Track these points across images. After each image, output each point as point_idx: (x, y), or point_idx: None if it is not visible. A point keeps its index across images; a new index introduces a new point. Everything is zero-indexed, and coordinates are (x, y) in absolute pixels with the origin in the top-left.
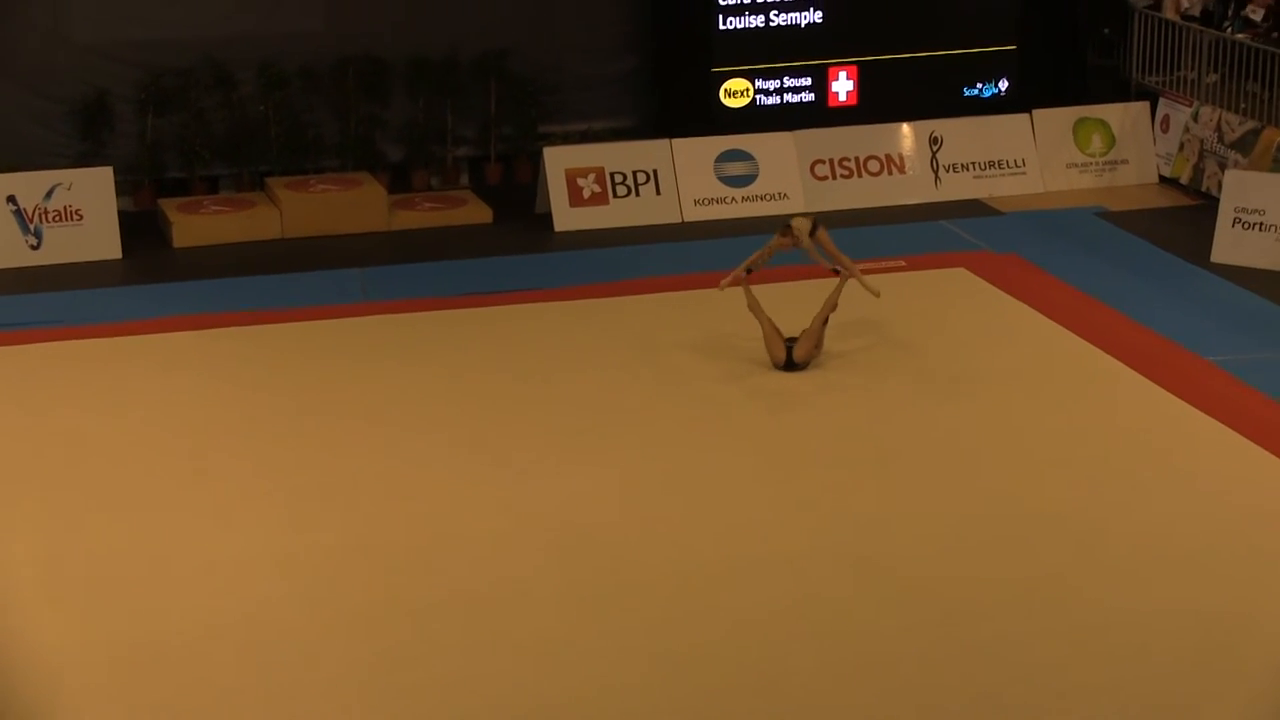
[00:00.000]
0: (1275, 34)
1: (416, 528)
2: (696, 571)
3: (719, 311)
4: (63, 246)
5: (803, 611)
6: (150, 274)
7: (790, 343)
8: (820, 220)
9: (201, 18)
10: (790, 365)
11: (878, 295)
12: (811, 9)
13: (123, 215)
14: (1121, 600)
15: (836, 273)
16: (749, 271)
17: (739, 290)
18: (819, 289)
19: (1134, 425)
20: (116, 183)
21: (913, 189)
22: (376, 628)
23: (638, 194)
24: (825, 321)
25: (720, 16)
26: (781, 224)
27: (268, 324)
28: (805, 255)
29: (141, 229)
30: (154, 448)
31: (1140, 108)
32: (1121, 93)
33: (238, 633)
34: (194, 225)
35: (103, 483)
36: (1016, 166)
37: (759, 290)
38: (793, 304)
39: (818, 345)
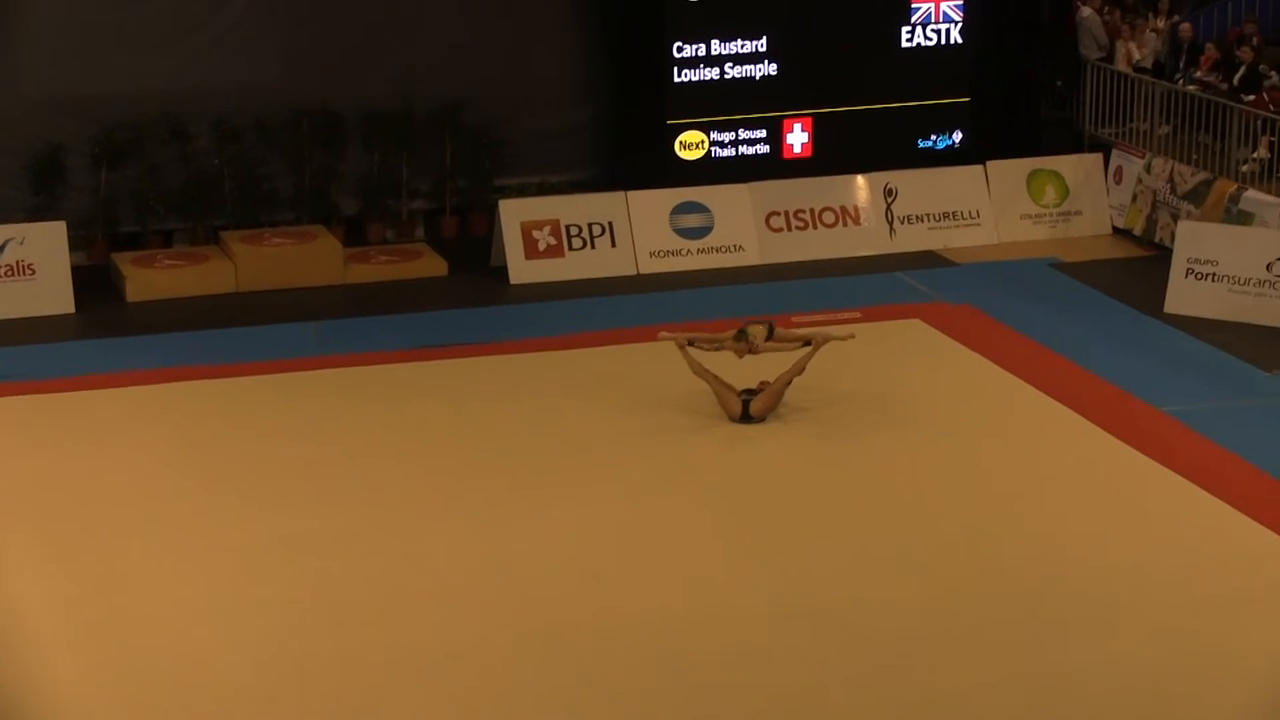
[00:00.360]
0: (1225, 86)
1: (368, 582)
2: (652, 624)
3: (675, 364)
4: (15, 301)
5: (755, 663)
6: (104, 328)
7: (747, 395)
8: (771, 323)
9: (155, 71)
10: (747, 419)
11: (852, 337)
12: (766, 62)
13: (76, 269)
14: (1072, 652)
15: (808, 343)
16: (690, 343)
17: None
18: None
19: (1088, 475)
20: (70, 237)
21: (867, 240)
22: (329, 682)
23: (593, 246)
24: (789, 383)
25: (675, 69)
26: (738, 331)
27: (222, 378)
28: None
29: (95, 283)
30: (107, 501)
31: (1093, 159)
32: (1075, 144)
33: (186, 684)
34: (148, 279)
35: (52, 535)
36: (971, 218)
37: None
38: (767, 357)
39: (776, 401)
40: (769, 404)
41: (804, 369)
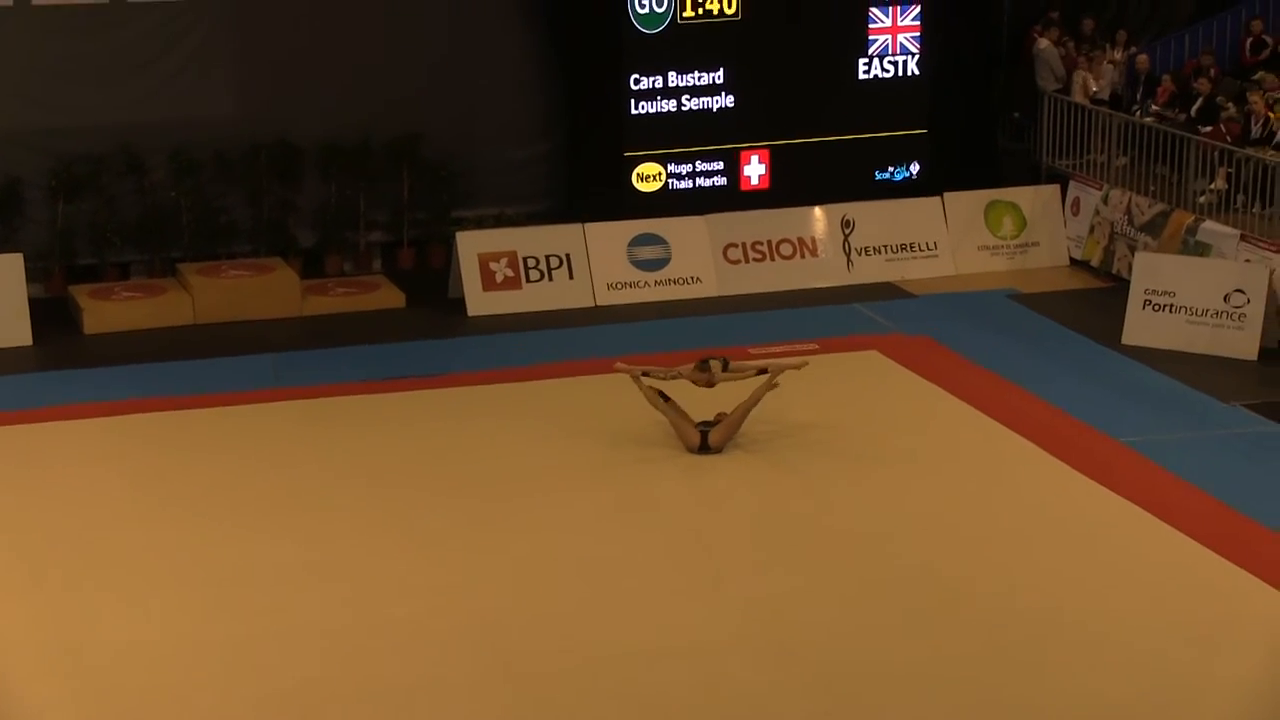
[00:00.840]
0: (1183, 117)
1: (324, 615)
2: (611, 656)
3: (633, 396)
4: None
5: (711, 699)
6: (61, 360)
7: (704, 426)
8: (726, 359)
9: (112, 104)
10: (705, 449)
11: (806, 364)
12: (723, 94)
13: (33, 302)
14: (1030, 685)
15: (764, 371)
16: (645, 375)
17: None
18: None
19: (1045, 506)
20: (27, 269)
21: (825, 272)
22: (283, 715)
23: (550, 278)
24: (746, 413)
25: (632, 101)
26: (699, 361)
27: (179, 410)
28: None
29: (52, 315)
30: (62, 534)
31: (1051, 191)
32: (1032, 176)
33: (140, 718)
34: (105, 311)
35: (7, 568)
36: (928, 249)
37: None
38: (723, 389)
39: (734, 432)
40: (726, 435)
41: (760, 399)
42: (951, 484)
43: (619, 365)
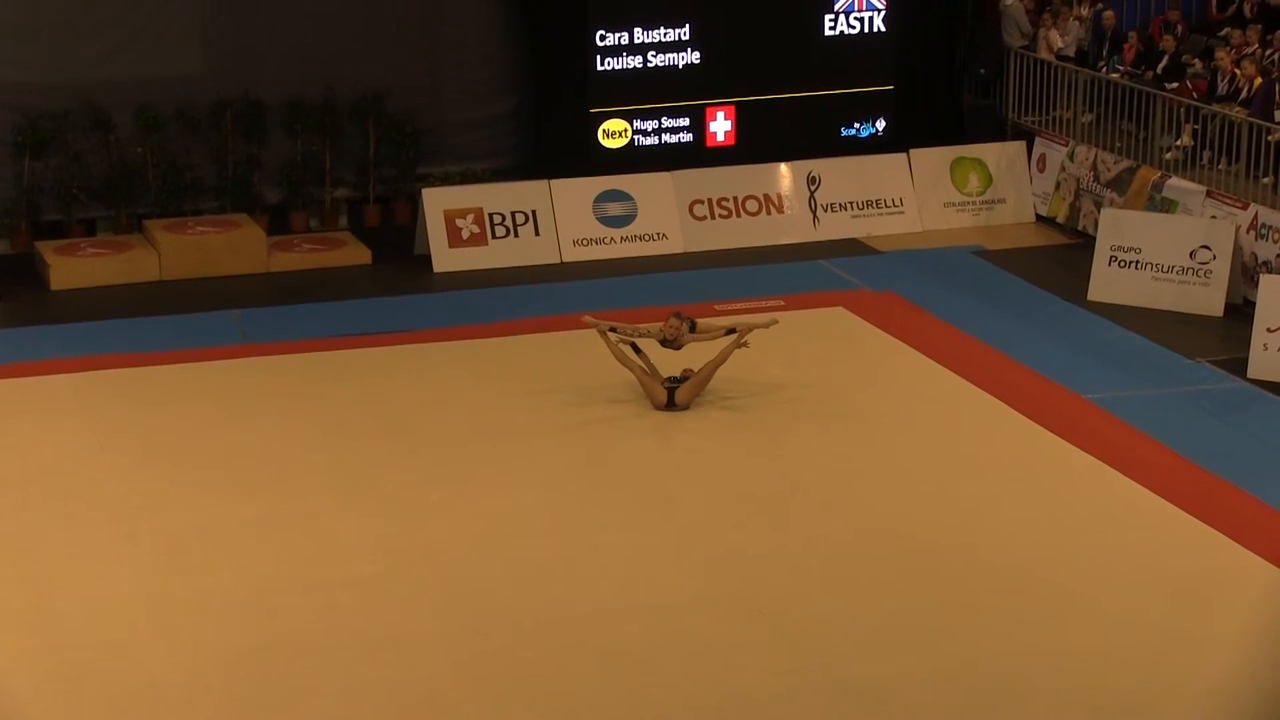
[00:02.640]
0: (1149, 74)
1: (288, 570)
2: (574, 614)
3: (599, 352)
4: None
5: (675, 654)
6: (27, 317)
7: (672, 383)
8: (693, 319)
9: (77, 61)
10: (671, 406)
11: (775, 323)
12: (689, 50)
13: None
14: (997, 642)
15: (733, 331)
16: (612, 331)
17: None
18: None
19: (1011, 462)
20: None
21: (791, 228)
22: (249, 671)
23: (516, 235)
24: (713, 372)
25: (598, 57)
26: (670, 317)
27: (146, 366)
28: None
29: (18, 272)
30: (28, 489)
31: (1016, 147)
32: (998, 132)
33: (109, 675)
34: (71, 268)
35: None
36: (894, 206)
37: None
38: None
39: (701, 389)
40: (693, 392)
41: (727, 358)
42: (917, 441)
43: (587, 318)
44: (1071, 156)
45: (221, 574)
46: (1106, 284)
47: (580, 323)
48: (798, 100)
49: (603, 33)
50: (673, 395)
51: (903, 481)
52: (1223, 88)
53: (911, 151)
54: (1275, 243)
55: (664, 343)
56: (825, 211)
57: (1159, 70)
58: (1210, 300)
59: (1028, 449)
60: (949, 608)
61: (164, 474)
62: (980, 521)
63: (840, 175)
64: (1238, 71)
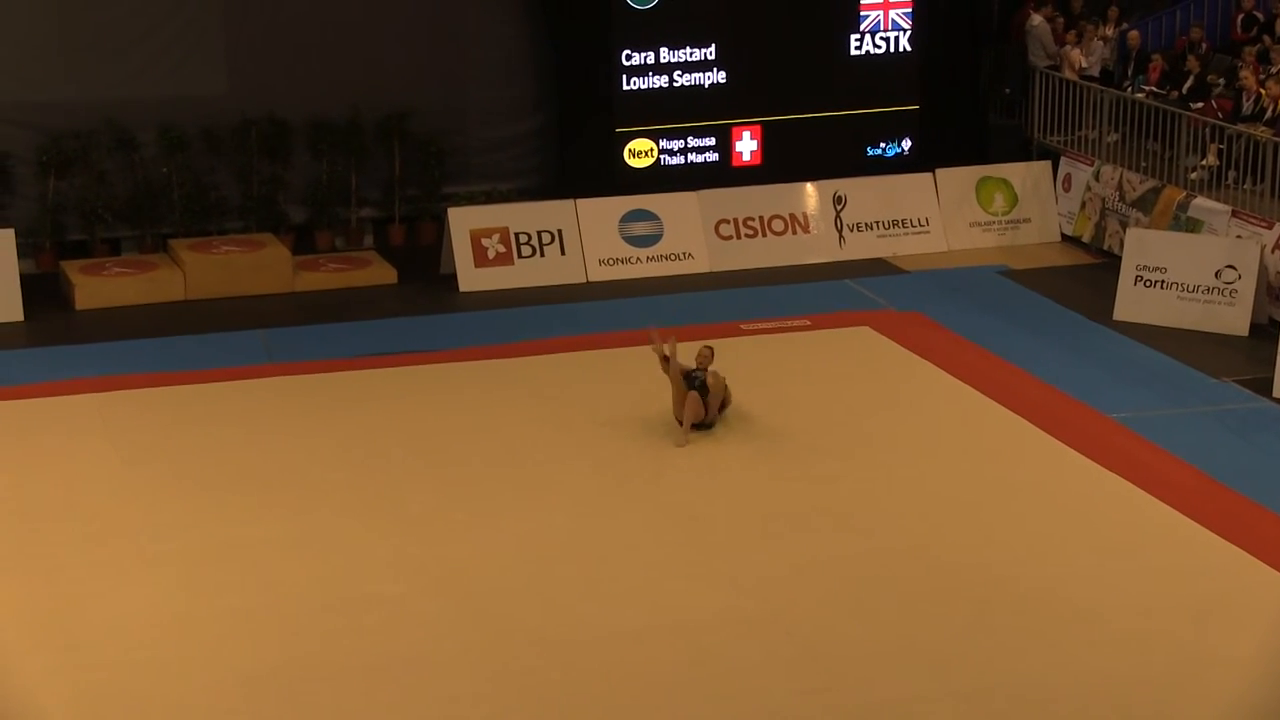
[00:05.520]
0: (1175, 94)
1: (313, 591)
2: (599, 634)
3: (624, 373)
4: None
5: (699, 675)
6: (52, 337)
7: (691, 382)
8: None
9: (102, 80)
10: (699, 421)
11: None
12: (715, 69)
13: (24, 278)
14: (1023, 662)
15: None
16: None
17: (645, 351)
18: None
19: (1037, 482)
20: (18, 245)
21: (817, 248)
22: (274, 693)
23: (542, 254)
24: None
25: (624, 77)
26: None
27: (171, 386)
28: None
29: (43, 291)
30: (53, 510)
31: (1042, 167)
32: (1023, 152)
33: (130, 695)
34: (96, 287)
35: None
36: (920, 225)
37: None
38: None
39: (724, 404)
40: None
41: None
42: (942, 460)
43: (653, 336)
44: (1097, 176)
45: (246, 594)
46: (1132, 303)
47: (610, 344)
48: (823, 120)
49: (628, 52)
50: (699, 389)
51: (927, 501)
52: (1248, 107)
53: (937, 171)
54: None
55: (688, 376)
56: (851, 231)
57: (1184, 90)
58: (1235, 320)
59: (1052, 468)
60: (973, 628)
61: (188, 494)
62: (1005, 542)
63: (866, 195)
64: (1263, 91)
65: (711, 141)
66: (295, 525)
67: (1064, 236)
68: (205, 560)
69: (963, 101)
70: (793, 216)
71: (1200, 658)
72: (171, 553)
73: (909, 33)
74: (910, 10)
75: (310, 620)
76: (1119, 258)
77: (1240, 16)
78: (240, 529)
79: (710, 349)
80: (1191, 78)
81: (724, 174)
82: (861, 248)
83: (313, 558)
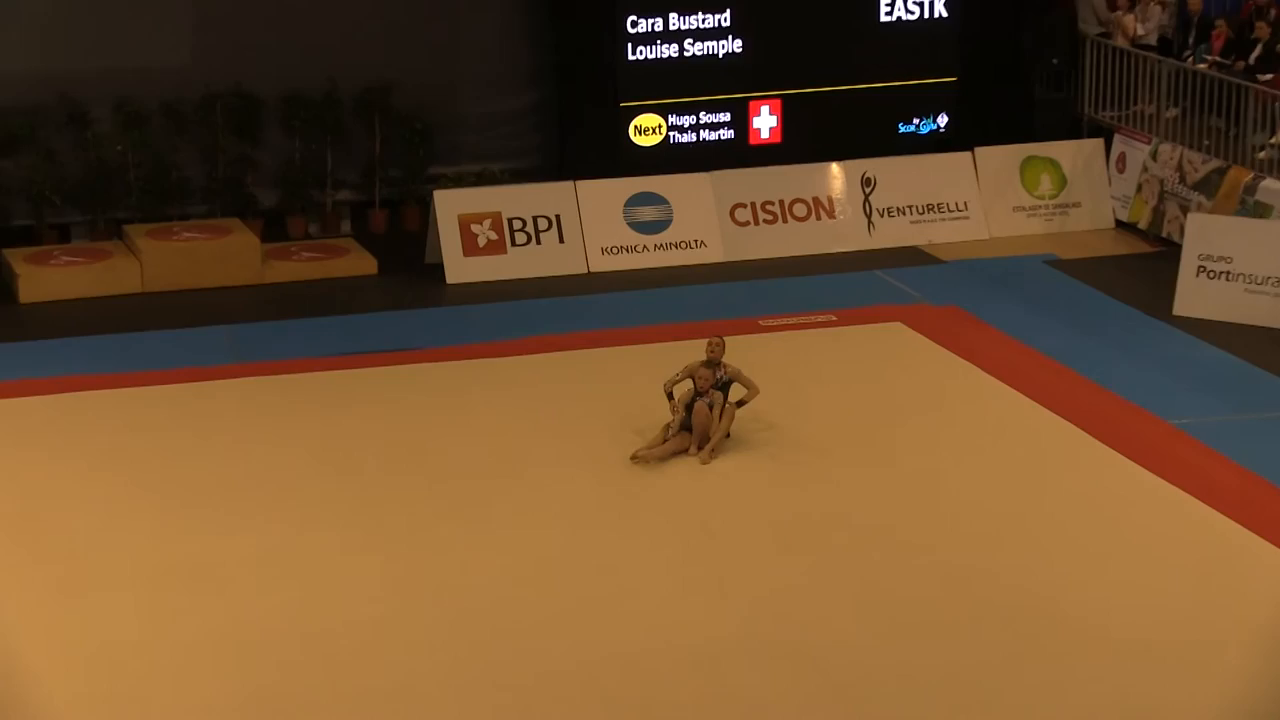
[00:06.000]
0: (1240, 64)
1: (284, 615)
2: (606, 663)
3: (628, 373)
4: None
5: (713, 706)
6: None
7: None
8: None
9: (52, 50)
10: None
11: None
12: (730, 37)
13: None
14: (1063, 694)
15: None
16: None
17: (652, 350)
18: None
19: (1086, 495)
20: None
21: (843, 235)
22: None
23: (538, 242)
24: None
25: (629, 46)
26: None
27: (125, 389)
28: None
29: None
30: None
31: (1093, 145)
32: (1073, 129)
33: None
34: (43, 278)
35: None
36: (958, 210)
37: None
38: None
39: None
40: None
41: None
42: (982, 471)
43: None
44: (1154, 156)
45: (210, 617)
46: (1193, 297)
47: (612, 341)
48: (851, 93)
49: (634, 18)
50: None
51: (966, 516)
52: None
53: (977, 150)
54: None
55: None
56: (881, 216)
57: (1251, 60)
58: None
59: (1106, 480)
60: (1015, 656)
61: (144, 509)
62: (1053, 562)
63: (898, 176)
64: None
65: (726, 117)
66: (263, 542)
67: (1118, 223)
68: (164, 582)
69: (1005, 73)
70: (816, 200)
71: (1269, 687)
72: (127, 573)
73: None
74: None
75: (280, 648)
76: (1179, 246)
77: None
78: (202, 547)
79: (721, 340)
80: (1259, 46)
81: (740, 153)
82: (893, 235)
83: (283, 578)
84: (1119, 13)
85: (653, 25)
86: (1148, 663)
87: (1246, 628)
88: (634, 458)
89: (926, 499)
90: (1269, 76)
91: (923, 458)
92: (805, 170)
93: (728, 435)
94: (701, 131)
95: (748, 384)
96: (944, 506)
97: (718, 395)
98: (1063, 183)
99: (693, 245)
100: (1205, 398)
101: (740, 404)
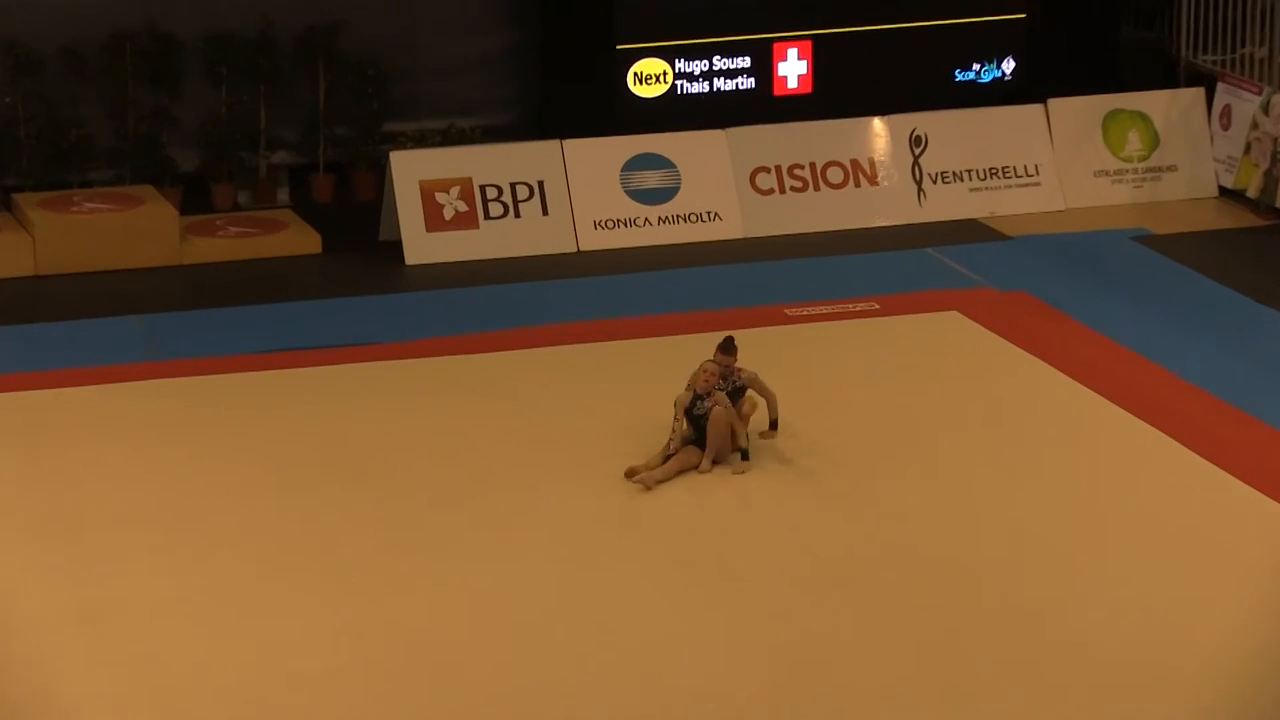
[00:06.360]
0: None
1: (215, 670)
2: None
3: (626, 373)
4: None
5: None
6: None
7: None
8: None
9: None
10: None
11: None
12: None
13: None
14: None
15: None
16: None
17: (654, 345)
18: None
19: (1185, 519)
20: None
21: (888, 206)
22: None
23: (517, 214)
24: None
25: None
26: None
27: (13, 392)
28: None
29: None
30: None
31: (1192, 96)
32: (1167, 76)
33: None
34: None
35: None
36: (1026, 175)
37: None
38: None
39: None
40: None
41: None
42: (1055, 489)
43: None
44: (1266, 108)
45: (124, 671)
46: None
47: (607, 335)
48: (896, 34)
49: None
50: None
51: (1035, 547)
52: None
53: (1049, 102)
54: None
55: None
56: (933, 183)
57: None
58: None
59: (1206, 500)
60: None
61: (40, 539)
62: (1140, 600)
63: (954, 134)
64: None
65: (746, 62)
66: (188, 580)
67: (1221, 190)
68: (66, 627)
69: (1085, 8)
70: (855, 163)
71: None
72: (23, 617)
73: None
74: None
75: (209, 706)
76: None
77: None
78: (114, 585)
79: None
80: None
81: (762, 106)
82: (948, 205)
83: (212, 623)
84: None
85: None
86: None
87: None
88: (630, 474)
89: (990, 528)
90: None
91: (984, 476)
92: (841, 127)
93: (742, 454)
94: (716, 80)
95: (766, 393)
96: (1008, 535)
97: (722, 396)
98: (1154, 142)
99: (705, 218)
100: None
101: (772, 425)
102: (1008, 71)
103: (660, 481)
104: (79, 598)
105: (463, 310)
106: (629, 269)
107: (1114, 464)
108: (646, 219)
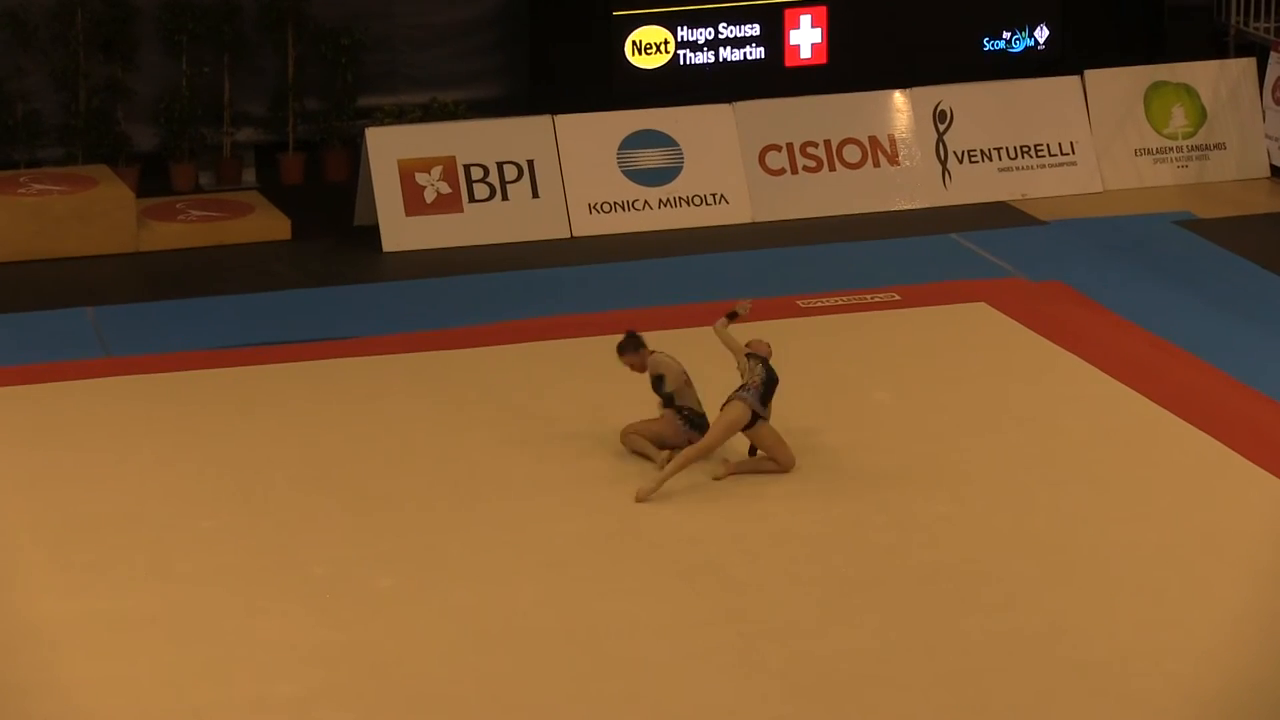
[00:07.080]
0: None
1: (177, 693)
2: None
3: (622, 369)
4: None
5: None
6: None
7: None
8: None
9: None
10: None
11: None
12: None
13: None
14: None
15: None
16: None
17: (656, 340)
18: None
19: (1232, 528)
20: None
21: (910, 187)
22: None
23: (505, 197)
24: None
25: None
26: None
27: None
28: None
29: None
30: None
31: (1242, 68)
32: (1214, 47)
33: None
34: None
35: None
36: (1062, 154)
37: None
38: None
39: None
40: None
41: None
42: (1093, 497)
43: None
44: None
45: (84, 696)
46: None
47: (601, 328)
48: None
49: None
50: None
51: (1068, 563)
52: None
53: (1086, 74)
54: None
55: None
56: (960, 162)
57: None
58: None
59: (1256, 508)
60: None
61: None
62: (1186, 620)
63: (982, 108)
64: None
65: (755, 30)
66: (145, 597)
67: (1274, 170)
68: (19, 649)
69: None
70: (874, 141)
71: None
72: None
73: None
74: None
75: None
76: None
77: None
78: (66, 602)
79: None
80: None
81: (773, 78)
82: (975, 187)
83: (172, 643)
84: None
85: None
86: None
87: None
88: (639, 500)
89: (1016, 538)
90: None
91: (1013, 479)
92: (859, 101)
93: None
94: (721, 49)
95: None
96: (1039, 549)
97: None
98: (1202, 117)
99: (710, 201)
100: None
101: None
102: (1041, 40)
103: (670, 476)
104: (31, 617)
105: (445, 302)
106: (627, 256)
107: (1160, 473)
108: (646, 202)
